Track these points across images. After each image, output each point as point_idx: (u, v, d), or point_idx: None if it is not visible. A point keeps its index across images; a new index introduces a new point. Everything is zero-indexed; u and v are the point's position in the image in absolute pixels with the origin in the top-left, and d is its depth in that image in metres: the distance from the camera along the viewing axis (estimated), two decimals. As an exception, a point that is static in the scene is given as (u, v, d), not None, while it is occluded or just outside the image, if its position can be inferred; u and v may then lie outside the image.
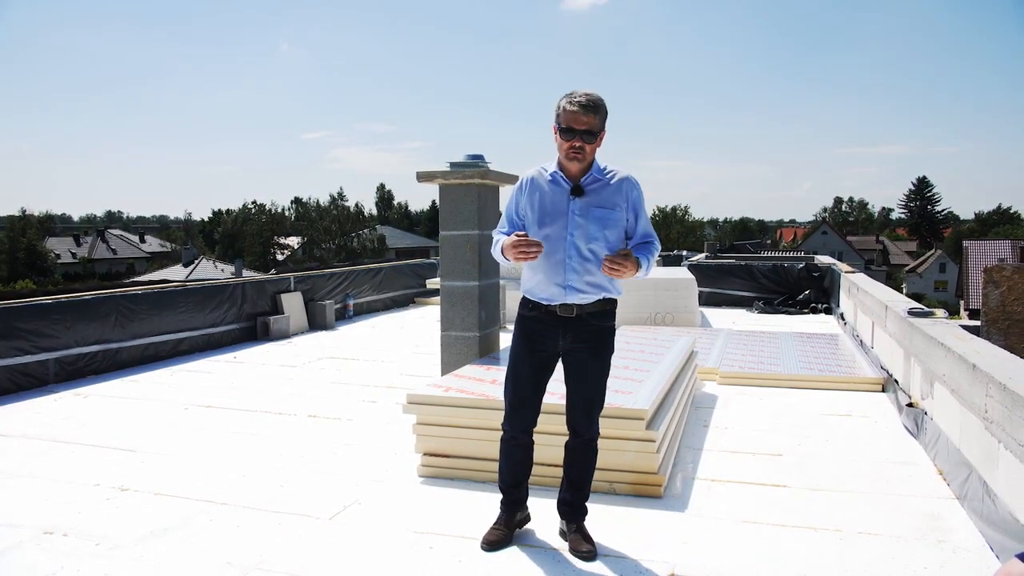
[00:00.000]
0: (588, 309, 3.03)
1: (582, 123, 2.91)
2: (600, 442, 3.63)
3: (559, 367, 3.18)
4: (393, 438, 4.78)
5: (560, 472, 3.33)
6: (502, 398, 3.71)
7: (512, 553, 3.14)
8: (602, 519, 3.45)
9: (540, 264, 3.02)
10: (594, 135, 2.96)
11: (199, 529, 3.40)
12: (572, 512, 3.21)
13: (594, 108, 2.92)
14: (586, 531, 3.18)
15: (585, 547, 3.09)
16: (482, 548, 3.17)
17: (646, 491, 3.73)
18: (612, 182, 3.05)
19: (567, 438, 3.23)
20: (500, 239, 3.11)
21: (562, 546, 3.18)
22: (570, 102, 2.92)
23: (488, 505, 3.62)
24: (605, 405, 3.35)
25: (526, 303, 3.13)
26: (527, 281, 3.11)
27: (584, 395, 3.11)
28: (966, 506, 3.54)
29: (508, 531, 3.23)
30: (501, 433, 3.25)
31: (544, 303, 3.04)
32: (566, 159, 2.99)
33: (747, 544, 3.21)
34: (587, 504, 3.26)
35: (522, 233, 2.97)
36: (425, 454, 4.05)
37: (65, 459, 4.44)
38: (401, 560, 3.09)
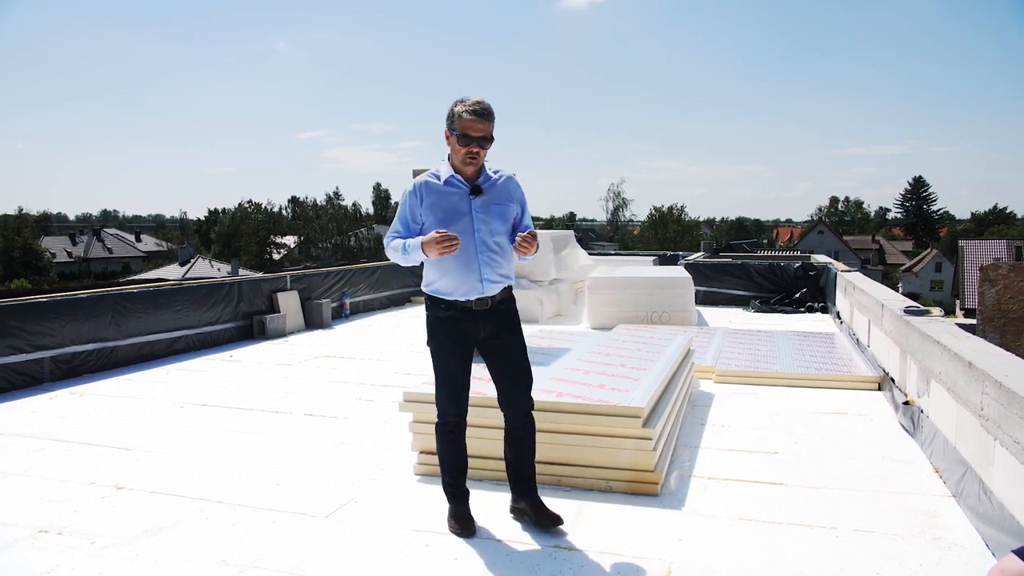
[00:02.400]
0: (497, 299, 3.26)
1: (478, 130, 3.09)
2: (597, 440, 3.75)
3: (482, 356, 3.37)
4: (389, 436, 4.78)
5: (548, 468, 3.53)
6: (498, 395, 3.79)
7: (509, 550, 3.14)
8: (599, 517, 3.45)
9: (451, 264, 3.15)
10: (489, 140, 3.14)
11: (194, 527, 3.39)
12: (526, 484, 3.39)
13: (488, 115, 3.10)
14: (543, 504, 3.37)
15: (551, 514, 3.32)
16: (465, 537, 3.27)
17: (643, 489, 3.73)
18: (500, 182, 3.26)
19: (512, 423, 3.38)
20: (407, 241, 3.18)
21: (559, 543, 3.18)
22: (465, 110, 3.08)
23: (485, 503, 3.62)
24: (602, 403, 3.59)
25: (438, 304, 3.25)
26: (435, 283, 3.23)
27: (517, 374, 3.33)
28: (962, 504, 3.54)
29: (471, 516, 3.37)
30: (445, 428, 3.35)
31: (461, 300, 3.20)
32: (462, 163, 3.16)
33: (743, 542, 3.21)
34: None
35: (441, 230, 3.05)
36: (421, 452, 4.05)
37: (60, 458, 4.42)
38: (397, 558, 3.08)
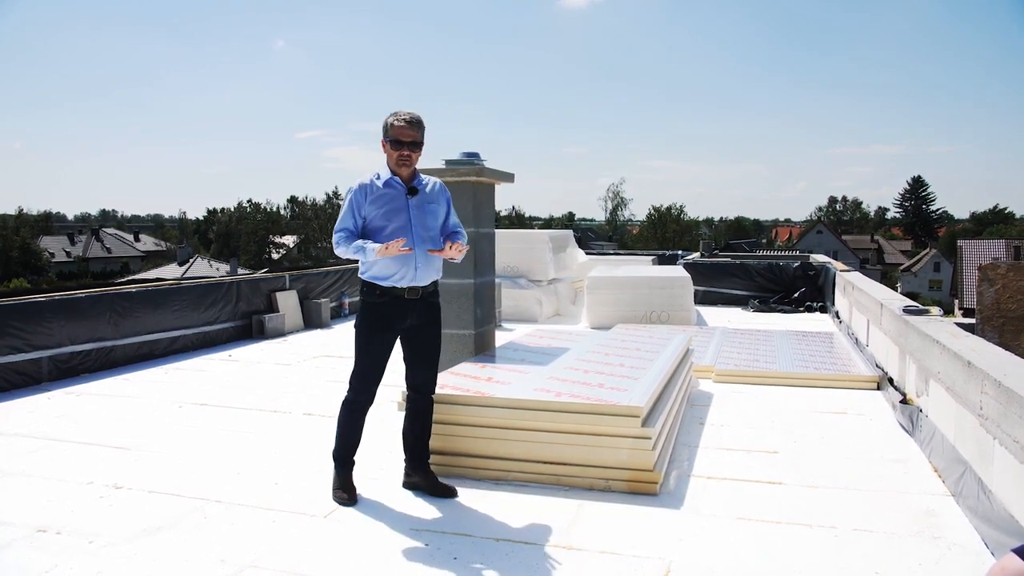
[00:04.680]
0: (427, 290, 3.67)
1: (408, 136, 3.54)
2: (596, 439, 3.79)
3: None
4: (388, 436, 4.76)
5: (548, 468, 3.64)
6: (498, 395, 3.95)
7: (508, 549, 3.14)
8: (598, 516, 3.45)
9: (394, 256, 3.49)
10: (418, 145, 3.59)
11: (193, 527, 3.38)
12: (422, 460, 3.80)
13: (417, 124, 3.57)
14: (436, 477, 3.79)
15: (445, 487, 3.70)
16: (350, 505, 3.59)
17: (642, 488, 3.72)
18: (430, 186, 3.71)
19: (418, 403, 3.80)
20: (366, 245, 3.46)
21: (558, 542, 3.18)
22: (397, 120, 3.54)
23: (484, 502, 3.62)
24: (601, 402, 3.71)
25: (374, 289, 3.58)
26: (371, 268, 3.56)
27: (432, 361, 3.77)
28: (961, 503, 3.54)
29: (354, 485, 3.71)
30: (352, 405, 3.70)
31: (398, 286, 3.56)
32: (396, 166, 3.59)
33: (742, 541, 3.21)
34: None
35: (397, 245, 3.39)
36: (420, 452, 4.05)
37: (58, 457, 4.41)
38: (396, 558, 3.08)
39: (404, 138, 3.53)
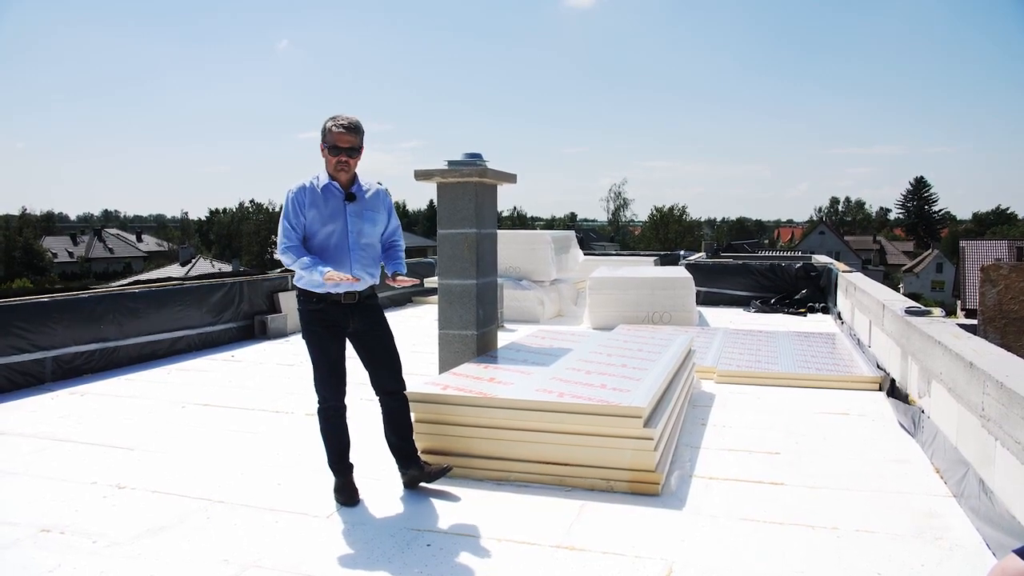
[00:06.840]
0: (363, 294, 3.64)
1: (346, 141, 3.49)
2: (598, 440, 3.79)
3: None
4: (391, 436, 4.77)
5: (550, 468, 3.64)
6: (500, 395, 3.94)
7: (509, 549, 3.14)
8: (600, 516, 3.46)
9: (328, 260, 3.52)
10: (357, 151, 3.54)
11: (196, 527, 3.39)
12: (411, 457, 3.82)
13: (356, 129, 3.52)
14: (428, 463, 3.85)
15: (438, 468, 3.78)
16: (350, 506, 3.60)
17: (644, 489, 3.73)
18: (371, 192, 3.67)
19: (389, 404, 3.77)
20: (317, 266, 3.44)
21: (560, 543, 3.19)
22: (335, 125, 3.49)
23: (486, 502, 3.63)
24: (603, 403, 3.68)
25: (310, 298, 3.56)
26: (307, 277, 3.51)
27: (389, 361, 3.74)
28: (963, 504, 3.55)
29: (355, 487, 3.71)
30: (327, 412, 3.64)
31: (333, 293, 3.54)
32: (335, 171, 3.54)
33: (745, 542, 3.21)
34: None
35: (346, 276, 3.38)
36: (423, 452, 4.05)
37: (62, 457, 4.43)
38: (398, 558, 3.09)
39: (342, 144, 3.48)
